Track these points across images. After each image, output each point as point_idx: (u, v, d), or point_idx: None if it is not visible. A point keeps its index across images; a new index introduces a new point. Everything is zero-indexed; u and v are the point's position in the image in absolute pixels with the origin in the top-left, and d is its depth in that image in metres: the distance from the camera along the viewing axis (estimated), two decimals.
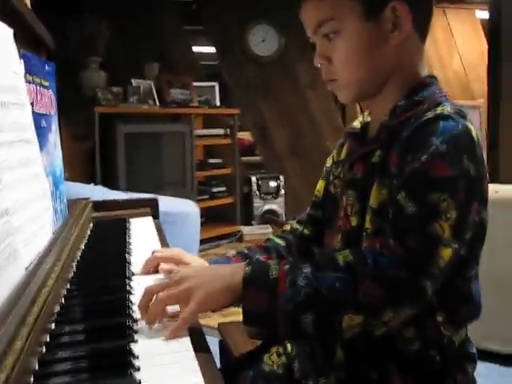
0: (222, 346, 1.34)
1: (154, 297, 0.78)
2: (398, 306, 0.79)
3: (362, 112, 1.08)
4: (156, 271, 1.01)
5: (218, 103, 5.04)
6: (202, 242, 3.68)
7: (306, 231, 1.11)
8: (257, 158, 5.50)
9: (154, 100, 4.45)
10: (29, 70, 1.04)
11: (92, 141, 3.84)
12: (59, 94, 1.26)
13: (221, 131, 4.90)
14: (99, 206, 1.60)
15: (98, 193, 2.31)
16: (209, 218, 4.56)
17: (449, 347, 0.90)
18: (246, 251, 1.06)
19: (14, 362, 0.51)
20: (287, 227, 1.15)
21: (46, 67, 1.18)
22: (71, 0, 4.11)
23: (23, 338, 0.56)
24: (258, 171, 5.30)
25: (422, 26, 0.94)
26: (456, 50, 5.68)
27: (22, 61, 0.99)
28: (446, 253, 0.79)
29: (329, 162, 1.10)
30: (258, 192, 5.10)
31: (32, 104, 1.03)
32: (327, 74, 0.95)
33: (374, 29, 0.90)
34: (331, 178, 1.06)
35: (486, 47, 4.95)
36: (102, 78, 4.19)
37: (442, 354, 0.89)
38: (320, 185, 1.11)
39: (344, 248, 0.95)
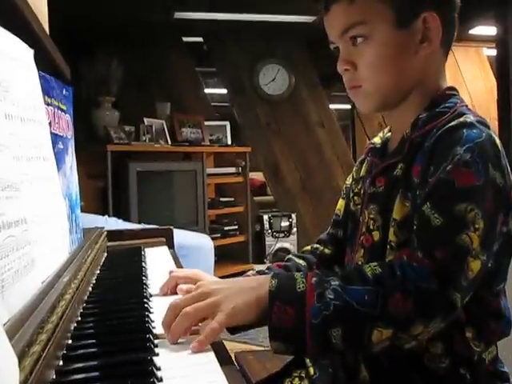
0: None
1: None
2: (428, 319, 0.76)
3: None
4: (174, 292, 0.98)
5: (229, 142, 5.07)
6: None
7: (326, 250, 1.09)
8: (268, 198, 5.50)
9: (166, 139, 4.48)
10: (47, 92, 1.05)
11: (105, 179, 3.86)
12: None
13: (232, 169, 4.91)
14: (113, 235, 1.58)
15: (112, 224, 2.29)
16: (221, 256, 4.52)
17: (479, 365, 0.86)
18: (266, 271, 1.03)
19: (32, 366, 0.49)
20: (307, 248, 1.13)
21: (64, 91, 1.18)
22: (83, 40, 4.20)
23: (42, 343, 0.53)
24: (270, 210, 5.29)
25: (447, 41, 0.93)
26: (465, 88, 5.72)
27: (41, 81, 0.99)
28: (475, 265, 0.77)
29: (348, 181, 1.09)
30: (270, 230, 5.07)
31: (50, 124, 1.03)
32: (351, 80, 0.93)
33: (404, 37, 0.89)
34: (351, 195, 1.04)
35: (495, 83, 4.99)
36: (114, 117, 4.24)
37: (473, 372, 0.85)
38: (340, 204, 1.10)
39: (367, 264, 0.92)
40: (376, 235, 0.92)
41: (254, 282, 0.81)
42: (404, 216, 0.86)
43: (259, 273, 1.02)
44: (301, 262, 1.07)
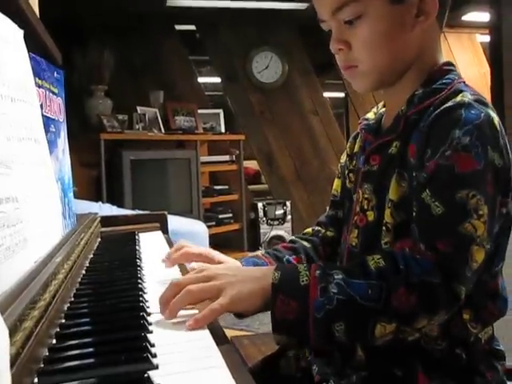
0: None
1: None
2: (433, 313, 0.75)
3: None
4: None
5: (223, 130, 5.06)
6: None
7: (328, 233, 1.08)
8: (263, 186, 5.49)
9: (160, 127, 4.47)
10: (38, 74, 1.04)
11: (98, 168, 3.85)
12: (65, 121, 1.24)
13: (226, 157, 4.90)
14: (107, 221, 1.58)
15: (106, 210, 2.28)
16: (216, 244, 4.50)
17: (475, 345, 0.86)
18: (274, 252, 1.02)
19: (24, 341, 0.49)
20: (308, 230, 1.11)
21: (56, 74, 1.17)
22: (75, 29, 4.17)
23: (34, 319, 0.53)
24: (264, 197, 5.28)
25: (442, 13, 0.91)
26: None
27: (32, 63, 0.98)
28: (479, 254, 0.76)
29: (343, 159, 1.08)
30: (264, 218, 5.07)
31: (41, 107, 1.02)
32: (346, 60, 0.90)
33: (400, 13, 0.86)
34: (346, 172, 1.03)
35: (488, 69, 4.99)
36: (107, 105, 4.22)
37: (469, 351, 0.85)
38: (336, 183, 1.08)
39: (361, 245, 0.92)
40: (370, 215, 0.91)
41: (259, 272, 0.81)
42: (400, 196, 0.85)
43: (268, 253, 1.01)
44: (306, 243, 1.06)
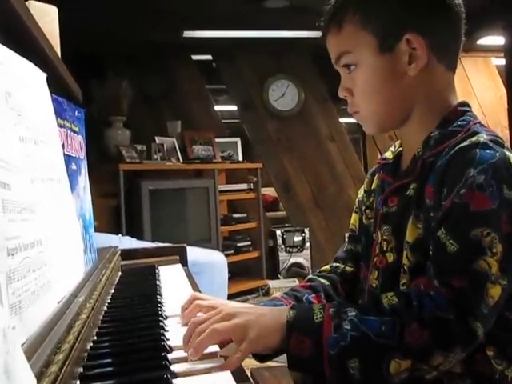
0: None
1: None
2: (448, 349, 0.75)
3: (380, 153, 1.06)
4: None
5: (240, 158, 5.09)
6: (229, 297, 3.63)
7: (347, 268, 1.08)
8: (281, 213, 5.49)
9: (178, 156, 4.51)
10: (60, 114, 1.06)
11: (117, 198, 3.88)
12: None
13: (244, 186, 4.92)
14: (127, 254, 1.59)
15: (126, 243, 2.30)
16: (235, 272, 4.51)
17: (501, 382, 0.84)
18: (293, 292, 1.03)
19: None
20: (325, 268, 1.11)
21: (76, 113, 1.20)
22: (94, 61, 4.26)
23: (59, 362, 0.53)
24: (283, 225, 5.28)
25: (446, 55, 0.93)
26: (474, 97, 5.70)
27: (54, 104, 1.01)
28: (495, 291, 0.76)
29: (360, 194, 1.09)
30: (283, 245, 5.06)
31: (63, 146, 1.04)
32: (351, 106, 0.96)
33: (390, 61, 0.90)
34: (363, 208, 1.04)
35: (505, 91, 4.97)
36: (126, 136, 4.28)
37: None
38: (354, 218, 1.09)
39: (382, 286, 0.92)
40: (390, 257, 0.91)
41: (275, 310, 0.82)
42: (416, 238, 0.86)
43: (286, 294, 1.01)
44: (324, 281, 1.06)
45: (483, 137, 0.83)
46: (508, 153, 0.81)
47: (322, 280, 1.06)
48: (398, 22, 0.89)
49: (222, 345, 0.77)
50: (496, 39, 5.07)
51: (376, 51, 0.89)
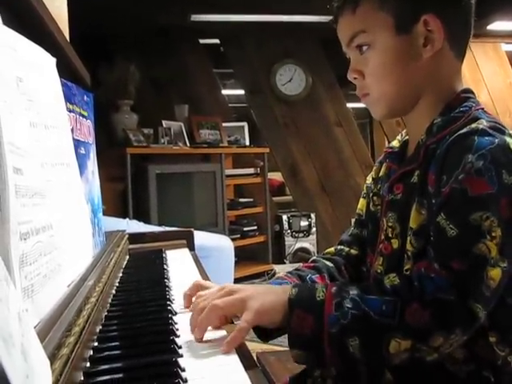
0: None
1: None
2: (448, 331, 0.75)
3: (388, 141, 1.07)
4: None
5: (247, 143, 5.09)
6: (235, 281, 3.66)
7: (352, 251, 1.09)
8: (287, 198, 5.50)
9: (185, 141, 4.51)
10: (69, 99, 1.07)
11: (124, 182, 3.90)
12: None
13: (251, 170, 4.92)
14: (135, 238, 1.60)
15: (133, 227, 2.32)
16: (241, 257, 4.53)
17: (504, 368, 0.85)
18: (297, 271, 1.03)
19: (62, 368, 0.50)
20: (330, 250, 1.12)
21: (85, 97, 1.20)
22: (101, 44, 4.25)
23: (70, 345, 0.55)
24: (289, 209, 5.29)
25: (457, 43, 0.93)
26: (483, 84, 5.66)
27: (64, 89, 1.01)
28: (495, 273, 0.76)
29: (369, 180, 1.09)
30: (289, 230, 5.07)
31: (72, 131, 1.05)
32: (360, 88, 0.95)
33: (406, 42, 0.89)
34: (371, 194, 1.05)
35: None
36: (133, 120, 4.28)
37: (497, 374, 0.84)
38: (362, 203, 1.10)
39: (386, 272, 0.93)
40: (395, 243, 0.92)
41: (278, 288, 0.83)
42: (420, 225, 0.86)
43: (290, 273, 1.02)
44: (329, 263, 1.06)
45: (483, 123, 0.83)
46: (508, 139, 0.81)
47: (327, 262, 1.07)
48: (417, 3, 0.89)
49: (226, 323, 0.79)
50: (506, 24, 5.01)
51: (392, 31, 0.89)
